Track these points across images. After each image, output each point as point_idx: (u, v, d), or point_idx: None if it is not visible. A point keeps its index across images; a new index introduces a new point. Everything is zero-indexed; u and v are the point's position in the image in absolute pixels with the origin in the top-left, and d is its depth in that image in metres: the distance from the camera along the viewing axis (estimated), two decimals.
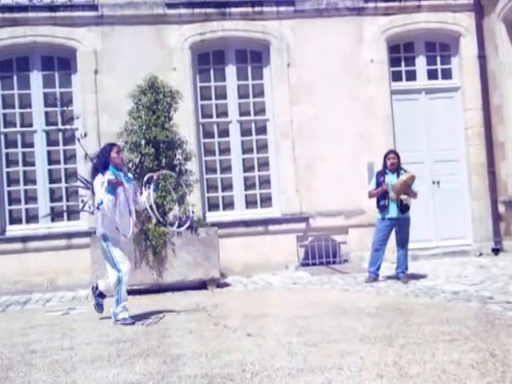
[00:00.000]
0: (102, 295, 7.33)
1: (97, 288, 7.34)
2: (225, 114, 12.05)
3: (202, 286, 9.56)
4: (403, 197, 9.04)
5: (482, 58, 12.32)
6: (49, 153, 11.63)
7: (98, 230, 6.98)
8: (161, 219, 8.09)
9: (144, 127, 9.74)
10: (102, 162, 6.96)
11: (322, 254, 11.77)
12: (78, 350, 5.44)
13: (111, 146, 7.17)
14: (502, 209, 12.13)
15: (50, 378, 4.48)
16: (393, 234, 9.32)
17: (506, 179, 11.93)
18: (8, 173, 11.55)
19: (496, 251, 11.97)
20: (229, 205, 11.94)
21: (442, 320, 5.80)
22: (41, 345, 5.81)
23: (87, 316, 7.58)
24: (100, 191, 6.71)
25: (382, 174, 9.33)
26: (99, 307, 7.35)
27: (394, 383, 3.83)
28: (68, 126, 10.95)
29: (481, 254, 11.91)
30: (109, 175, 6.77)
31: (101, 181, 6.74)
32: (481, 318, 5.97)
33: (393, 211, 9.10)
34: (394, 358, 4.43)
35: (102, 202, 6.69)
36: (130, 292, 9.49)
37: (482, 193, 12.22)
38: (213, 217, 11.36)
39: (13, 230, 11.32)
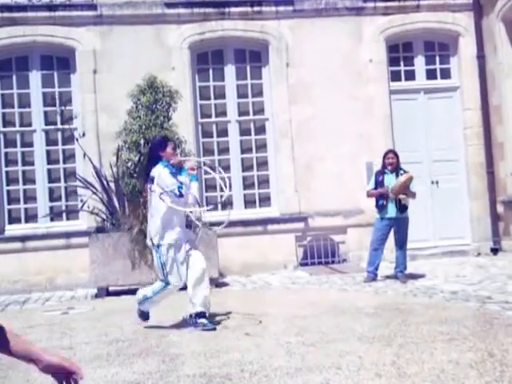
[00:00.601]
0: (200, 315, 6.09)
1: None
2: (224, 113, 12.06)
3: None
4: (402, 197, 9.05)
5: (481, 57, 12.32)
6: (48, 152, 11.64)
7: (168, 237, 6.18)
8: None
9: (143, 127, 9.74)
10: (153, 156, 6.36)
11: (320, 254, 11.78)
12: (77, 350, 5.44)
13: (165, 140, 6.60)
14: (500, 209, 12.14)
15: (48, 378, 4.47)
16: (391, 233, 9.33)
17: (505, 179, 11.94)
18: (7, 172, 11.55)
19: (495, 251, 11.98)
20: (228, 204, 11.93)
21: (440, 320, 5.80)
22: (40, 344, 5.79)
23: (86, 315, 7.59)
24: (170, 178, 6.10)
25: (380, 173, 9.34)
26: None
27: (393, 383, 3.84)
28: (67, 126, 10.97)
29: (479, 254, 11.92)
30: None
31: (165, 170, 6.15)
32: (479, 318, 5.98)
33: (391, 211, 9.11)
34: (393, 358, 4.43)
35: (180, 186, 6.08)
36: (129, 292, 9.52)
37: (481, 193, 12.23)
38: (212, 216, 11.35)
39: (12, 230, 11.33)
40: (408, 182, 9.05)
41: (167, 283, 6.17)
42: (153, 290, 6.33)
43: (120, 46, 11.56)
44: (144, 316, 6.45)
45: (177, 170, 6.33)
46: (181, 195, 6.04)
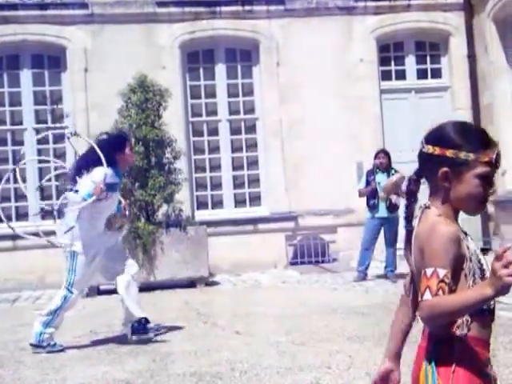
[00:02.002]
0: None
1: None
2: (214, 112, 12.05)
3: (190, 284, 9.56)
4: (393, 196, 9.06)
5: (472, 57, 12.35)
6: (39, 151, 11.60)
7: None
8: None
9: (134, 126, 9.73)
10: (108, 155, 5.59)
11: (310, 253, 11.78)
12: (68, 348, 5.43)
13: (125, 139, 6.02)
14: (491, 209, 12.17)
15: (39, 375, 4.48)
16: (382, 233, 9.35)
17: (496, 179, 11.95)
18: None
19: (485, 251, 12.01)
20: (218, 203, 11.94)
21: None
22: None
23: (77, 314, 7.56)
24: (88, 187, 5.60)
25: (372, 173, 9.36)
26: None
27: None
28: (58, 125, 10.93)
29: None
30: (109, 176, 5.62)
31: (102, 173, 5.56)
32: None
33: (382, 211, 9.12)
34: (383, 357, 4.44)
35: (89, 196, 5.53)
36: None
37: None
38: (202, 215, 11.35)
39: (3, 228, 11.25)
40: (400, 181, 9.06)
41: (70, 292, 5.76)
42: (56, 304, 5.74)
43: (111, 45, 11.53)
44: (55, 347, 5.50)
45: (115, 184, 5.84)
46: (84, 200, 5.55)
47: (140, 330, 5.56)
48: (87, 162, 5.78)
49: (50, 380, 4.32)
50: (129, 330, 5.58)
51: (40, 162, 11.52)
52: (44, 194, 11.59)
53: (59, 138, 11.57)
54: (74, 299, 5.71)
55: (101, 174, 5.54)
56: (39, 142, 11.56)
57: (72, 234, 5.64)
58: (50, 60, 11.73)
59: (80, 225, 5.65)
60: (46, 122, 11.55)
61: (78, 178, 5.73)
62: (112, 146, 5.72)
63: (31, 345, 5.43)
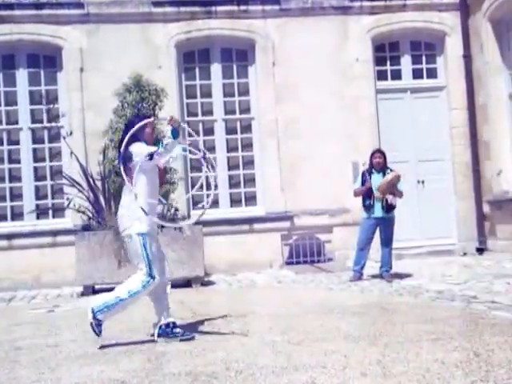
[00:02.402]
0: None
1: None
2: (210, 112, 12.06)
3: (186, 284, 9.56)
4: (389, 196, 9.06)
5: (468, 57, 12.39)
6: (34, 150, 11.61)
7: (132, 214, 5.42)
8: None
9: None
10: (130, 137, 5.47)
11: (306, 253, 11.79)
12: (63, 348, 5.42)
13: (142, 119, 5.76)
14: (486, 208, 12.20)
15: (34, 374, 4.46)
16: (377, 233, 9.35)
17: (491, 179, 12.01)
18: None
19: (480, 251, 12.05)
20: (213, 203, 11.92)
21: (426, 319, 5.83)
22: (26, 342, 5.79)
23: (72, 313, 7.56)
24: (144, 147, 5.42)
25: (367, 173, 9.35)
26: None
27: (378, 382, 3.85)
28: (54, 124, 10.92)
29: (465, 254, 11.98)
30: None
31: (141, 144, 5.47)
32: (465, 318, 6.01)
33: (378, 211, 9.12)
34: (378, 357, 4.45)
35: (153, 152, 5.29)
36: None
37: (467, 192, 12.29)
38: (197, 215, 11.31)
39: None
40: (395, 180, 9.07)
41: (152, 276, 5.38)
42: (129, 290, 5.40)
43: (107, 45, 11.53)
44: (99, 329, 5.38)
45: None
46: (151, 157, 5.31)
47: (168, 334, 5.50)
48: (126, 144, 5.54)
49: (46, 379, 4.31)
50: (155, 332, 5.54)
51: (35, 161, 11.53)
52: (39, 194, 11.57)
53: (55, 138, 11.59)
54: (154, 285, 5.45)
55: (138, 144, 5.50)
56: (34, 142, 11.59)
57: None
58: (46, 59, 11.74)
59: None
60: (42, 122, 11.55)
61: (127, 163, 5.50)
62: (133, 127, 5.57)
63: (91, 308, 5.41)
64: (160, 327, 5.53)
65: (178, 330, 5.52)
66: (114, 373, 4.37)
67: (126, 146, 5.45)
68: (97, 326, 5.37)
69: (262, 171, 11.94)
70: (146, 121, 5.65)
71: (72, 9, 11.51)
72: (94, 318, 5.38)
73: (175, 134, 5.39)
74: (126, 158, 5.49)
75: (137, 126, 5.50)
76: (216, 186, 6.03)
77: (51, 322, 6.95)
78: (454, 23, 12.44)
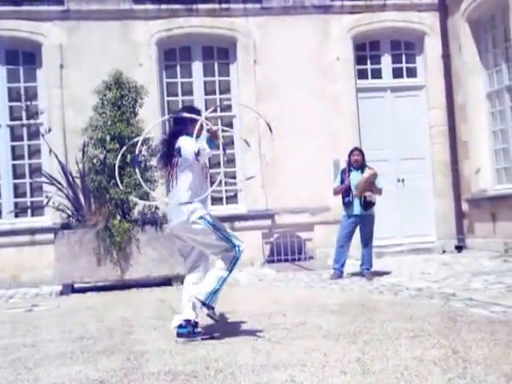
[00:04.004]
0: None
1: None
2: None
3: (167, 282, 9.53)
4: (367, 194, 9.09)
5: (446, 57, 12.48)
6: (13, 148, 11.52)
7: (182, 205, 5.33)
8: None
9: (109, 123, 9.67)
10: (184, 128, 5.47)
11: (287, 251, 11.82)
12: (41, 347, 5.38)
13: (191, 110, 5.71)
14: (465, 207, 12.30)
15: (11, 375, 4.42)
16: (357, 231, 9.38)
17: (469, 177, 12.10)
18: None
19: (459, 248, 12.15)
20: None
21: (405, 317, 5.85)
22: (2, 342, 5.74)
23: (50, 313, 7.51)
24: (193, 143, 5.28)
25: (346, 171, 9.39)
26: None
27: (357, 379, 3.86)
28: (33, 121, 10.83)
29: (444, 252, 12.08)
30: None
31: (188, 138, 5.38)
32: (443, 315, 6.05)
33: (357, 208, 9.15)
34: (358, 355, 4.46)
35: (203, 149, 5.20)
36: (95, 289, 9.46)
37: (446, 191, 12.39)
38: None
39: None
40: (372, 178, 9.11)
41: (236, 246, 5.30)
42: (226, 267, 5.29)
43: (87, 42, 11.47)
44: (216, 315, 5.42)
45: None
46: (196, 155, 5.21)
47: (190, 333, 5.34)
48: (176, 136, 5.50)
49: (23, 380, 4.27)
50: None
51: (14, 159, 11.45)
52: (18, 192, 11.48)
53: (34, 135, 11.50)
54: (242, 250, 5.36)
55: (186, 137, 5.41)
56: (13, 139, 11.49)
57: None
58: (25, 56, 11.65)
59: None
60: (21, 119, 11.45)
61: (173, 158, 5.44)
62: (184, 120, 5.53)
63: (201, 302, 5.24)
64: (180, 325, 5.35)
65: (199, 329, 5.37)
66: (93, 372, 4.35)
67: (174, 139, 5.45)
68: (214, 315, 5.34)
69: (243, 169, 11.93)
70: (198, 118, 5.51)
71: (52, 5, 11.43)
72: (209, 307, 5.28)
73: (211, 144, 5.32)
74: (174, 152, 5.41)
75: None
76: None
77: (29, 322, 6.89)
78: (433, 23, 12.53)
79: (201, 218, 5.36)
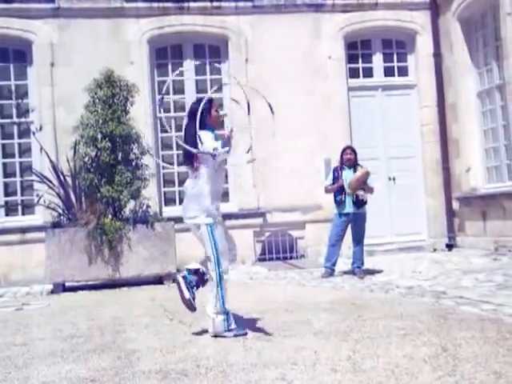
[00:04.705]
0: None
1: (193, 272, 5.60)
2: (183, 108, 12.00)
3: (158, 281, 9.53)
4: (359, 192, 9.11)
5: (438, 56, 12.51)
6: (3, 146, 11.47)
7: (200, 203, 5.40)
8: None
9: (100, 121, 9.65)
10: (197, 123, 5.38)
11: (278, 249, 11.82)
12: (31, 346, 5.37)
13: (208, 101, 5.66)
14: (456, 205, 12.34)
15: (1, 374, 4.41)
16: (349, 229, 9.39)
17: (460, 176, 12.14)
18: None
19: (450, 247, 12.18)
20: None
21: (396, 315, 5.87)
22: None
23: (41, 311, 7.48)
24: (212, 140, 5.33)
25: (338, 169, 9.40)
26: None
27: (348, 377, 3.87)
28: (23, 120, 10.79)
29: (435, 250, 12.12)
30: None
31: (208, 133, 5.41)
32: (434, 313, 6.07)
33: (349, 207, 9.17)
34: (348, 353, 4.47)
35: (216, 149, 5.20)
36: (86, 287, 9.44)
37: (437, 189, 12.42)
38: (169, 211, 11.29)
39: None
40: (364, 176, 9.12)
41: (218, 269, 5.39)
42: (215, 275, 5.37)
43: (78, 40, 11.44)
44: (230, 321, 5.36)
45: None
46: (213, 155, 5.22)
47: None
48: (191, 131, 5.47)
49: (12, 379, 4.25)
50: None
51: (4, 157, 11.40)
52: (9, 190, 11.44)
53: (24, 133, 11.46)
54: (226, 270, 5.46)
55: (206, 133, 5.41)
56: (3, 137, 11.45)
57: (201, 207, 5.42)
58: (16, 54, 11.61)
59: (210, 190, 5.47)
60: (12, 117, 11.41)
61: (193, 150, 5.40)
62: (201, 110, 5.47)
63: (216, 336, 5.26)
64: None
65: (232, 325, 5.36)
66: (83, 371, 4.34)
67: (194, 132, 5.39)
68: (239, 332, 5.31)
69: (235, 168, 11.93)
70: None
71: (42, 3, 11.39)
72: (227, 314, 5.34)
73: (224, 145, 5.32)
74: (196, 145, 5.38)
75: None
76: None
77: (19, 321, 6.87)
78: (424, 22, 12.56)
79: (208, 225, 5.42)
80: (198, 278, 5.59)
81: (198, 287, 5.59)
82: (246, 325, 5.65)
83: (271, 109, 5.83)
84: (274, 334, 5.28)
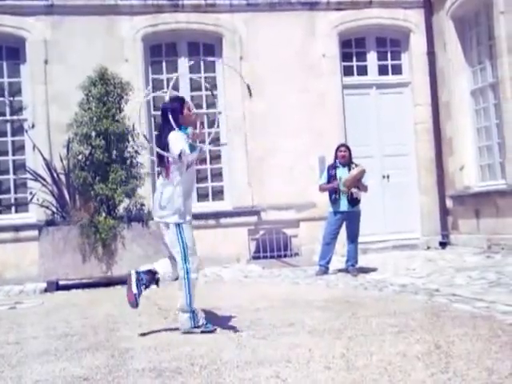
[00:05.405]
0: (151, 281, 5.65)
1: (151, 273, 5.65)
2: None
3: None
4: (354, 190, 9.12)
5: (431, 54, 12.53)
6: None
7: (172, 204, 5.44)
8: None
9: (94, 119, 9.63)
10: (171, 123, 5.39)
11: (273, 248, 11.83)
12: (24, 345, 5.36)
13: (179, 101, 5.65)
14: (449, 203, 12.37)
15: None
16: (344, 227, 9.40)
17: (454, 174, 12.16)
18: None
19: (443, 245, 12.21)
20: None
21: (389, 312, 5.88)
22: None
23: (35, 310, 7.47)
24: (180, 142, 5.30)
25: (333, 167, 9.41)
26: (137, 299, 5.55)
27: (342, 375, 3.87)
28: (16, 117, 10.75)
29: (429, 248, 12.15)
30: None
31: (179, 135, 5.39)
32: (427, 311, 6.08)
33: (344, 205, 9.17)
34: (342, 351, 4.48)
35: (185, 152, 5.24)
36: (79, 286, 9.43)
37: (431, 187, 12.45)
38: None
39: None
40: (360, 175, 9.13)
41: (186, 268, 5.43)
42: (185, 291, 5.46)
43: (72, 37, 11.41)
44: (200, 320, 5.47)
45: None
46: (179, 157, 5.26)
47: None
48: (164, 133, 5.49)
49: (5, 377, 4.25)
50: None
51: None
52: (2, 188, 11.42)
53: (18, 131, 11.43)
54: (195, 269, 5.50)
55: (176, 133, 5.40)
56: None
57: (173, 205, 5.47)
58: (9, 51, 11.57)
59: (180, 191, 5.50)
60: (5, 115, 11.38)
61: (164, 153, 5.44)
62: (172, 110, 5.49)
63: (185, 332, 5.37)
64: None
65: (200, 321, 5.46)
66: (77, 369, 4.34)
67: (166, 135, 5.42)
68: (196, 320, 5.43)
69: (229, 166, 11.93)
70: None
71: (36, 0, 11.35)
72: (192, 312, 5.44)
73: (192, 149, 5.38)
74: (166, 148, 5.42)
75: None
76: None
77: (13, 319, 6.85)
78: (418, 20, 12.58)
79: (178, 225, 5.47)
80: (150, 277, 5.63)
81: (148, 286, 5.63)
82: (240, 322, 5.66)
83: (249, 90, 5.83)
84: (267, 331, 5.28)
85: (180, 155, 5.26)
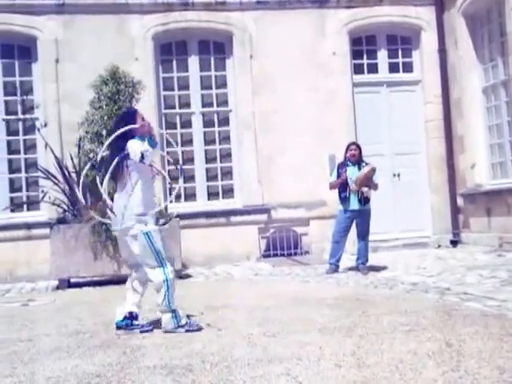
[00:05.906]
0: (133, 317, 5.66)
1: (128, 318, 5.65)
2: (187, 104, 12.03)
3: None
4: (364, 189, 9.10)
5: (443, 51, 12.49)
6: (9, 142, 11.49)
7: (132, 213, 5.45)
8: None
9: (105, 117, 9.65)
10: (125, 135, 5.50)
11: (283, 246, 11.83)
12: (37, 342, 5.39)
13: (133, 113, 5.78)
14: (460, 201, 12.33)
15: (7, 369, 4.43)
16: (354, 225, 9.39)
17: (465, 172, 12.13)
18: None
19: (454, 243, 12.17)
20: (191, 196, 11.93)
21: (400, 311, 5.88)
22: None
23: (46, 307, 7.52)
24: (139, 146, 5.37)
25: (343, 165, 9.39)
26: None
27: (352, 373, 3.88)
28: (28, 116, 10.79)
29: (439, 246, 12.11)
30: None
31: (136, 141, 5.46)
32: (438, 309, 6.08)
33: (354, 203, 9.16)
34: (353, 348, 4.48)
35: (146, 151, 5.32)
36: (91, 283, 9.47)
37: (442, 185, 12.41)
38: (174, 208, 11.31)
39: None
40: (370, 173, 9.12)
41: (165, 272, 5.46)
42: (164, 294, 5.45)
43: (83, 36, 11.44)
44: (181, 321, 5.48)
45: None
46: (142, 158, 5.31)
47: (128, 326, 5.56)
48: (120, 146, 5.55)
49: (19, 374, 4.28)
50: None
51: (10, 153, 11.43)
52: (14, 186, 11.47)
53: (29, 130, 11.48)
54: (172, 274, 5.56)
55: (133, 140, 5.47)
56: (8, 133, 11.47)
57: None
58: (20, 50, 11.62)
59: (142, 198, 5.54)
60: (17, 114, 11.43)
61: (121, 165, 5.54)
62: (125, 123, 5.60)
63: (167, 331, 5.41)
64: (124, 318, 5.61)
65: (183, 320, 5.48)
66: (89, 367, 4.36)
67: (122, 142, 5.48)
68: (191, 326, 5.46)
69: (239, 164, 11.95)
70: (128, 127, 5.56)
71: None
72: (174, 311, 5.47)
73: (152, 143, 5.43)
74: (125, 156, 5.48)
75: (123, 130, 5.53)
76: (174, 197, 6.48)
77: (25, 316, 6.90)
78: (429, 18, 12.53)
79: (146, 234, 5.47)
80: (131, 319, 5.65)
81: (139, 325, 5.64)
82: (250, 320, 5.67)
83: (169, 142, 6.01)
84: (278, 329, 5.29)
85: (142, 156, 5.31)
